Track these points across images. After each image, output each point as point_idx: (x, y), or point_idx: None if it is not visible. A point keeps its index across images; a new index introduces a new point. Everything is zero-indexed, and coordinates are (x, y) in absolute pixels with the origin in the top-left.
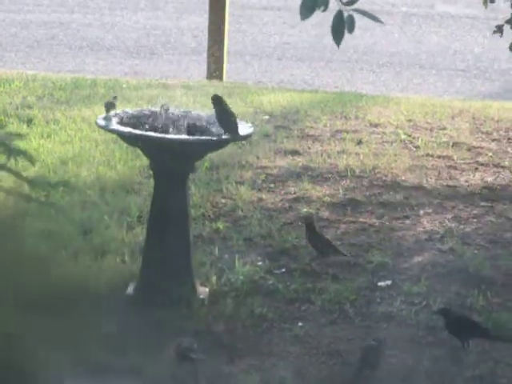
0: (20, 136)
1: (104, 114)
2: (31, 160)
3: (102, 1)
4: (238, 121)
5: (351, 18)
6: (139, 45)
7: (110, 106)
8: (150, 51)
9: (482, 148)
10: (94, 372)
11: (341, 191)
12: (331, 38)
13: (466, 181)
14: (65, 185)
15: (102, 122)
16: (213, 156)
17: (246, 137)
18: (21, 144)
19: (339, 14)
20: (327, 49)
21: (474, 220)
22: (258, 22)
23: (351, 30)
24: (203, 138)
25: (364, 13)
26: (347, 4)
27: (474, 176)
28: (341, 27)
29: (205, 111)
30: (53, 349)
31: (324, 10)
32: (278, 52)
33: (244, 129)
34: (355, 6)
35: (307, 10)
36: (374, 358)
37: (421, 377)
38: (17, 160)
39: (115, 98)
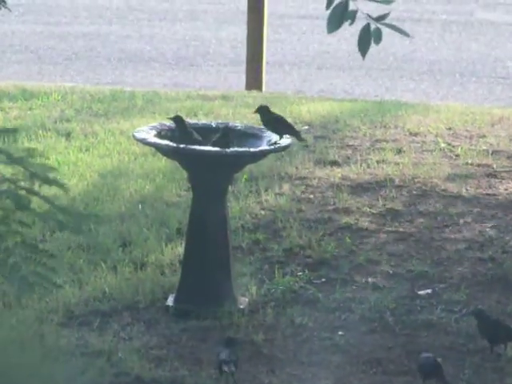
0: (54, 170)
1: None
2: (63, 188)
3: (141, 12)
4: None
5: (378, 30)
6: (178, 56)
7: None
8: (189, 62)
9: None
10: None
11: (380, 201)
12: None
13: (506, 189)
14: (96, 216)
15: (138, 135)
16: (252, 167)
17: (285, 148)
18: (59, 158)
19: (367, 26)
20: (367, 57)
21: None
22: (296, 31)
23: (378, 41)
24: (241, 149)
25: (392, 27)
26: (377, 20)
27: None
28: (367, 39)
29: (244, 122)
30: None
31: (351, 24)
32: (318, 61)
33: (282, 140)
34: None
35: (335, 23)
36: None
37: None
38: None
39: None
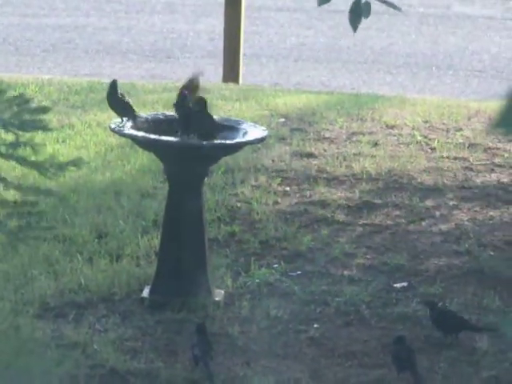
0: (45, 109)
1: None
2: (35, 149)
3: (118, 4)
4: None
5: (368, 4)
6: (156, 48)
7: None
8: (166, 54)
9: (498, 149)
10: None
11: (356, 194)
12: (347, 37)
13: (482, 182)
14: (76, 164)
15: (115, 127)
16: (228, 160)
17: (262, 140)
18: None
19: (357, 0)
20: (344, 50)
21: (490, 221)
22: (273, 23)
23: (367, 15)
24: (216, 141)
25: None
26: None
27: (490, 177)
28: (358, 13)
29: (219, 115)
30: None
31: None
32: (295, 53)
33: (258, 132)
34: None
35: None
36: None
37: (437, 378)
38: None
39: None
